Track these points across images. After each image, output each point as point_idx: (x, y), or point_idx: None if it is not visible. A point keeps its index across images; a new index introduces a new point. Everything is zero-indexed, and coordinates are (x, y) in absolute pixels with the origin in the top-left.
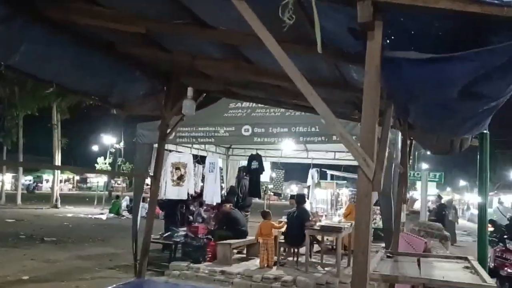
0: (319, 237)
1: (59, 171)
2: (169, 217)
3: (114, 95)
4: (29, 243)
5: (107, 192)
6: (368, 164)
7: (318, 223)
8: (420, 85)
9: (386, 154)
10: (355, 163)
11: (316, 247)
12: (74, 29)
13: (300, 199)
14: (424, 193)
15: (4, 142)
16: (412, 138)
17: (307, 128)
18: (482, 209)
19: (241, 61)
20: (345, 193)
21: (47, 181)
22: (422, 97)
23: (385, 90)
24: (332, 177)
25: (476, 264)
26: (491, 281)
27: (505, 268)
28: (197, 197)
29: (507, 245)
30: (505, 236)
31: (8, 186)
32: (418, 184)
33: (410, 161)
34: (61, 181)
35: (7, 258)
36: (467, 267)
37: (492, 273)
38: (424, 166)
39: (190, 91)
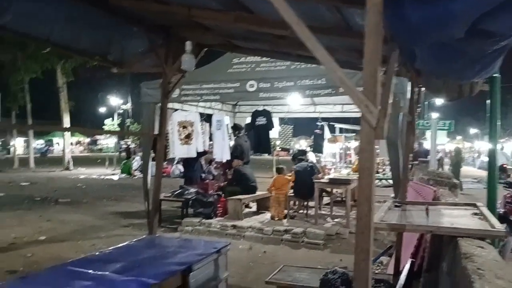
0: (328, 190)
1: (69, 134)
2: (187, 175)
3: (113, 52)
4: (44, 205)
5: (124, 153)
6: (370, 110)
7: (326, 176)
8: (425, 24)
9: (391, 100)
10: None
11: (325, 200)
12: None
13: (297, 155)
14: (433, 142)
15: (12, 107)
16: (420, 85)
17: (314, 81)
18: (492, 155)
19: (241, 12)
20: (354, 146)
21: (58, 144)
22: (428, 38)
23: (389, 32)
24: (341, 130)
25: (485, 210)
26: (500, 226)
27: None
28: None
29: None
30: None
31: (20, 151)
32: (428, 134)
33: (419, 109)
34: (72, 144)
35: (24, 220)
36: (476, 214)
37: (502, 218)
38: (434, 115)
39: (188, 45)
